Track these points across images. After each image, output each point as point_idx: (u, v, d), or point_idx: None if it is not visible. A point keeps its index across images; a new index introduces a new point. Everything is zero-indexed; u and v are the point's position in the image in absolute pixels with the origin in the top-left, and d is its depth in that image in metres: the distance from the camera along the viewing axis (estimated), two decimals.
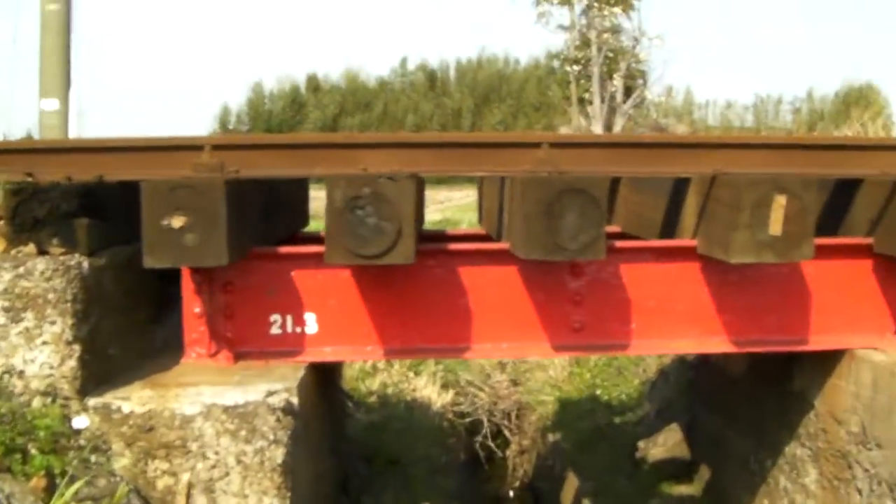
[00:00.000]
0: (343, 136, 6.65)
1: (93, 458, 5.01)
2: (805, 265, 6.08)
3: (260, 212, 6.17)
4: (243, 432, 5.09)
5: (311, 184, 8.55)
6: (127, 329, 5.73)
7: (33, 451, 4.79)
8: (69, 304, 5.05)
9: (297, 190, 7.88)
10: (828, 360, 6.35)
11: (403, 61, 68.37)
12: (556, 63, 51.17)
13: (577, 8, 42.93)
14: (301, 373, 5.61)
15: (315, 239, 5.65)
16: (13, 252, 5.22)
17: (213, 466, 5.09)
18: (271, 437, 5.11)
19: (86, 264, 5.20)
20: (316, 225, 8.07)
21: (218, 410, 5.09)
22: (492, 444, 14.23)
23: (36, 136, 14.23)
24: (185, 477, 5.05)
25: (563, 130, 36.93)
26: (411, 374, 14.13)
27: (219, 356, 5.80)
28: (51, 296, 5.04)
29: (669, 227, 6.81)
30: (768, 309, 6.16)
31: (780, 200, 5.33)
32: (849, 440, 6.11)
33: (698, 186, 6.17)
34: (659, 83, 45.87)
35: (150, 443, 5.08)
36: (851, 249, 6.19)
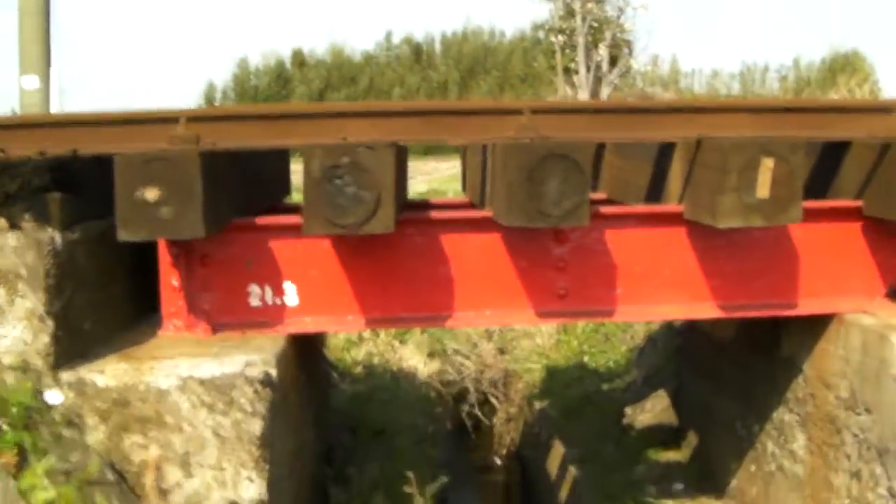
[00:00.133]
0: (322, 105, 6.57)
1: (66, 433, 4.90)
2: (793, 229, 5.98)
3: (238, 183, 6.06)
4: (220, 405, 4.99)
5: (294, 156, 8.46)
6: (102, 303, 5.61)
7: (5, 427, 4.68)
8: (42, 279, 4.93)
9: (277, 161, 7.78)
10: (816, 325, 6.25)
11: (388, 35, 68.14)
12: (541, 34, 50.98)
13: None
14: (280, 344, 5.51)
15: (295, 209, 5.55)
16: None
17: (190, 440, 5.00)
18: (249, 409, 5.01)
19: (59, 239, 5.07)
20: (298, 197, 7.97)
21: (194, 383, 4.99)
22: (478, 413, 14.17)
23: None
24: (153, 451, 4.96)
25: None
26: (397, 344, 14.03)
27: (197, 329, 5.69)
28: (23, 270, 4.92)
29: (655, 193, 6.72)
30: (756, 273, 6.06)
31: (768, 163, 5.24)
32: (837, 405, 6.03)
33: (684, 151, 6.07)
34: (644, 52, 45.75)
35: (124, 417, 4.98)
36: (840, 212, 6.09)
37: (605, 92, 40.51)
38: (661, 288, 6.05)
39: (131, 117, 5.69)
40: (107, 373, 5.04)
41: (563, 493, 9.82)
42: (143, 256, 5.80)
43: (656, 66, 52.05)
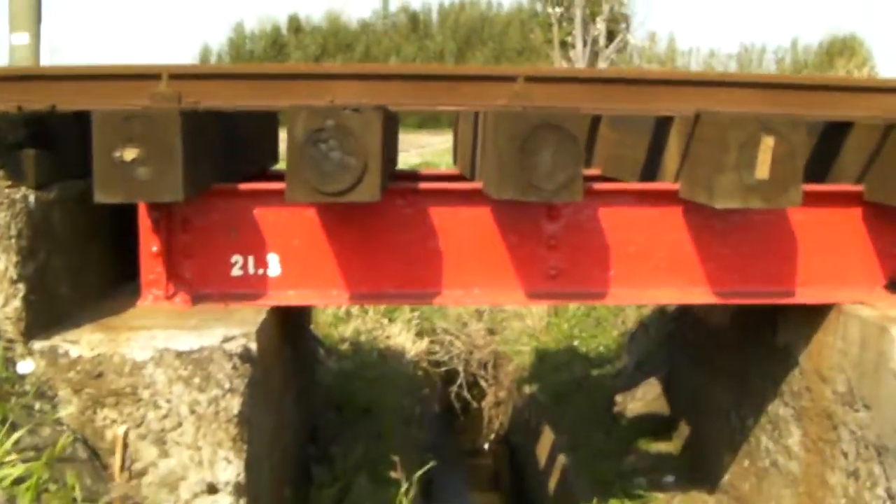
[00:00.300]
0: (309, 66, 6.38)
1: (37, 406, 4.71)
2: (792, 213, 5.81)
3: (222, 146, 5.88)
4: (197, 380, 4.82)
5: (283, 122, 8.29)
6: (79, 268, 5.43)
7: None
8: (13, 240, 4.72)
9: (264, 124, 7.57)
10: (814, 315, 6.08)
11: (386, 3, 68.37)
12: (538, 5, 50.82)
13: None
14: (262, 317, 5.33)
15: (281, 177, 5.38)
16: None
17: (165, 416, 4.82)
18: (227, 385, 4.83)
19: (32, 198, 4.88)
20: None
21: (170, 356, 4.81)
22: (467, 395, 14.05)
23: None
24: (120, 429, 4.78)
25: None
26: (385, 321, 13.89)
27: (176, 298, 5.51)
28: None
29: (651, 170, 6.56)
30: (753, 259, 5.89)
31: (768, 142, 5.05)
32: (834, 399, 5.86)
33: (681, 126, 5.92)
34: (642, 28, 45.66)
35: (98, 390, 4.80)
36: (841, 197, 5.92)
37: (601, 67, 40.32)
38: (656, 270, 5.88)
39: (112, 72, 5.50)
40: (81, 343, 4.86)
41: (552, 482, 9.70)
42: (126, 219, 5.62)
43: (654, 42, 51.99)
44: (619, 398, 9.87)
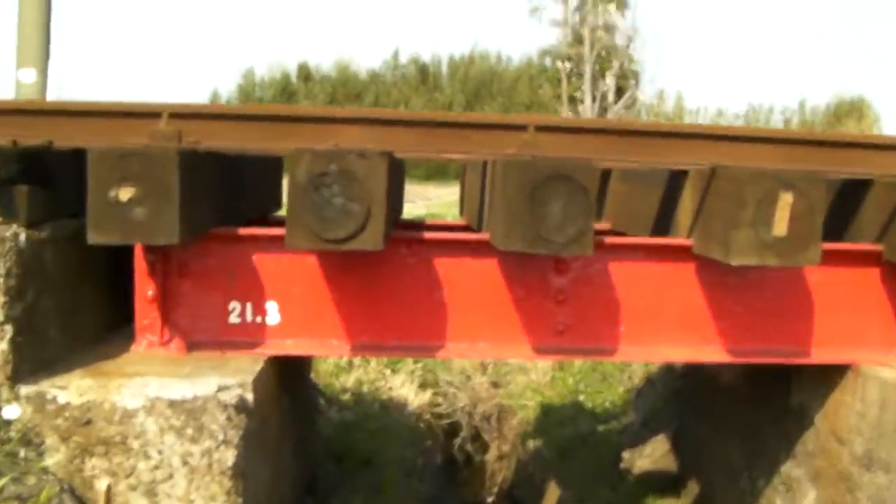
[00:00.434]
0: (314, 109, 6.22)
1: (22, 453, 4.52)
2: (809, 271, 5.66)
3: (223, 189, 5.71)
4: (190, 430, 4.63)
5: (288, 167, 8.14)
6: (71, 310, 5.25)
7: None
8: (1, 280, 4.55)
9: (268, 168, 7.40)
10: (831, 375, 5.91)
11: (395, 53, 68.22)
12: (548, 60, 50.91)
13: (571, 3, 42.78)
14: (259, 366, 5.14)
15: (282, 222, 5.22)
16: None
17: (157, 467, 4.63)
18: (221, 436, 4.65)
19: (23, 236, 4.70)
20: None
21: (162, 405, 4.63)
22: (470, 448, 13.85)
23: None
24: (103, 484, 4.59)
25: None
26: (388, 372, 13.69)
27: (171, 345, 5.33)
28: None
29: (663, 225, 6.36)
30: (768, 317, 5.72)
31: (787, 198, 4.89)
32: (852, 462, 5.67)
33: (696, 180, 5.73)
34: (652, 84, 45.73)
35: (87, 438, 4.61)
36: (859, 256, 5.76)
37: None
38: (667, 327, 5.71)
39: (112, 109, 5.37)
40: (70, 388, 4.67)
41: None
42: (122, 260, 5.45)
43: (662, 100, 52.05)
44: (626, 454, 9.67)
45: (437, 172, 42.65)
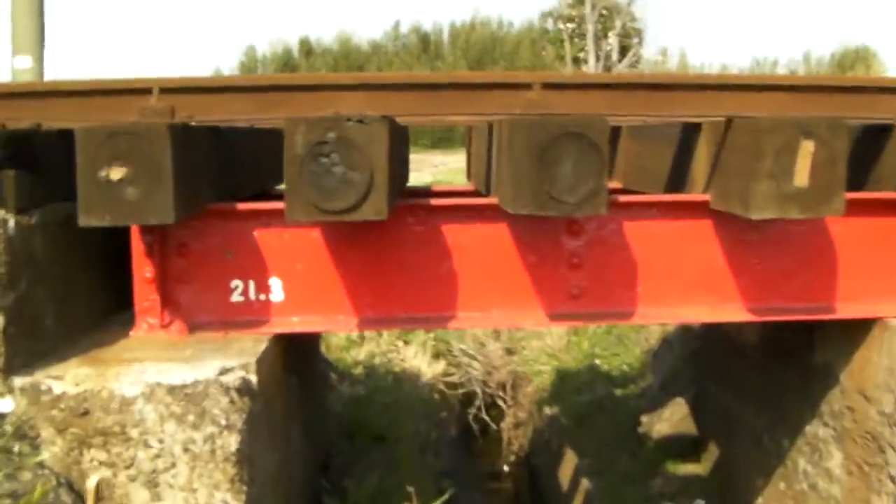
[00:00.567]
0: (311, 76, 6.05)
1: (17, 448, 4.32)
2: (832, 223, 5.42)
3: (221, 165, 5.51)
4: (191, 417, 4.42)
5: None
6: (66, 297, 5.04)
7: None
8: None
9: (268, 140, 7.14)
10: (856, 330, 5.68)
11: (396, 24, 68.19)
12: (549, 22, 50.73)
13: None
14: (263, 346, 4.93)
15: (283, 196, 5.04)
16: None
17: (157, 456, 4.41)
18: (223, 421, 4.44)
19: (12, 222, 4.49)
20: None
21: (162, 391, 4.41)
22: (486, 417, 13.73)
23: None
24: (91, 480, 4.38)
25: None
26: (401, 344, 13.61)
27: (172, 327, 5.14)
28: None
29: (677, 181, 6.16)
30: (790, 273, 5.49)
31: (808, 147, 4.65)
32: (881, 421, 5.45)
33: (710, 133, 5.52)
34: (654, 43, 45.66)
35: (84, 429, 4.39)
36: (884, 205, 5.51)
37: None
38: (685, 287, 5.49)
39: (100, 87, 5.17)
40: (66, 378, 4.45)
41: None
42: (119, 243, 5.26)
43: (665, 58, 51.89)
44: (644, 419, 9.52)
45: (442, 140, 42.53)
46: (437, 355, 14.12)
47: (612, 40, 41.53)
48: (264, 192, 6.86)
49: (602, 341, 13.30)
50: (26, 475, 4.25)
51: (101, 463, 4.41)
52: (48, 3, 13.51)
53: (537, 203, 4.61)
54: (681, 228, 5.44)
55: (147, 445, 4.41)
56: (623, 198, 5.47)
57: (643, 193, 6.54)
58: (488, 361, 14.36)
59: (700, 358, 9.27)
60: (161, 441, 4.41)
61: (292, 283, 5.27)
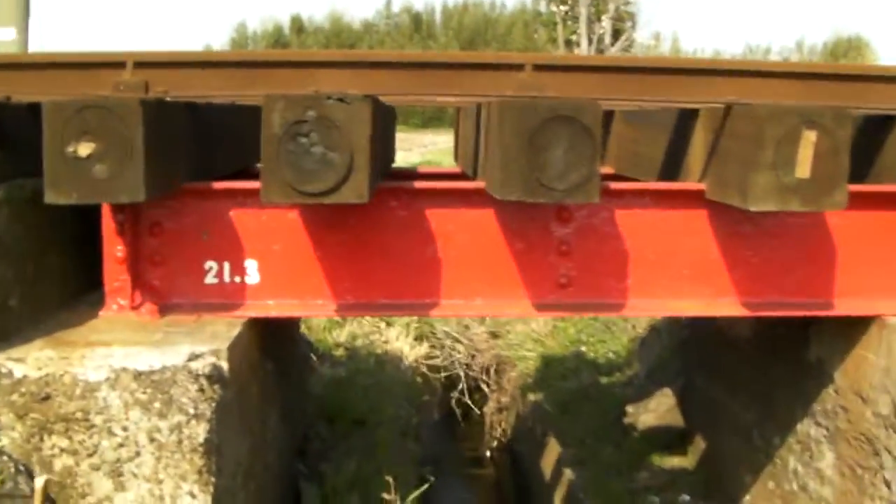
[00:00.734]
0: (292, 52, 5.89)
1: None
2: (830, 216, 5.23)
3: (196, 141, 5.31)
4: (157, 404, 4.22)
5: None
6: (34, 278, 4.82)
7: None
8: None
9: (248, 117, 6.94)
10: (853, 328, 5.50)
11: (388, 3, 68.46)
12: (542, 5, 50.65)
13: None
14: (237, 331, 4.75)
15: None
16: None
17: (121, 445, 4.21)
18: (191, 410, 4.24)
19: None
20: None
21: (127, 377, 4.21)
22: (468, 401, 13.60)
23: None
24: (39, 480, 4.18)
25: None
26: (383, 325, 13.45)
27: (142, 309, 4.94)
28: None
29: (671, 169, 5.95)
30: (786, 267, 5.30)
31: (810, 136, 4.46)
32: (876, 423, 5.28)
33: (708, 120, 5.32)
34: (648, 26, 45.70)
35: (45, 415, 4.18)
36: (885, 198, 5.32)
37: None
38: (677, 279, 5.30)
39: (72, 60, 5.01)
40: (28, 360, 4.25)
41: (559, 498, 9.15)
42: (93, 222, 5.01)
43: (658, 42, 51.85)
44: (630, 409, 9.36)
45: (433, 119, 42.48)
46: (419, 338, 13.99)
47: (606, 23, 41.44)
48: (246, 170, 6.66)
49: (588, 328, 13.14)
50: None
51: (62, 450, 4.22)
52: None
53: (526, 189, 4.41)
54: (674, 218, 5.25)
55: (111, 433, 4.21)
56: (615, 185, 5.28)
57: (636, 180, 6.37)
58: (472, 345, 14.25)
59: (688, 348, 9.10)
60: (125, 429, 4.22)
61: (269, 265, 5.09)
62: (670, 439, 8.74)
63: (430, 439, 11.55)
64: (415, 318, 13.94)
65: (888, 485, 5.18)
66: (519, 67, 5.00)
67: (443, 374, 13.77)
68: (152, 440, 4.22)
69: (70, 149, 4.22)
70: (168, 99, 4.80)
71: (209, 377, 4.29)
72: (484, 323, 14.68)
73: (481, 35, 64.08)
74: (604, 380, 11.25)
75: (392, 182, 5.30)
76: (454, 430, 13.60)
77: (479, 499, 12.27)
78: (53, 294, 5.08)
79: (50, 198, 4.28)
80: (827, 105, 4.79)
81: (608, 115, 7.39)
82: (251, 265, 5.07)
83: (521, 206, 4.84)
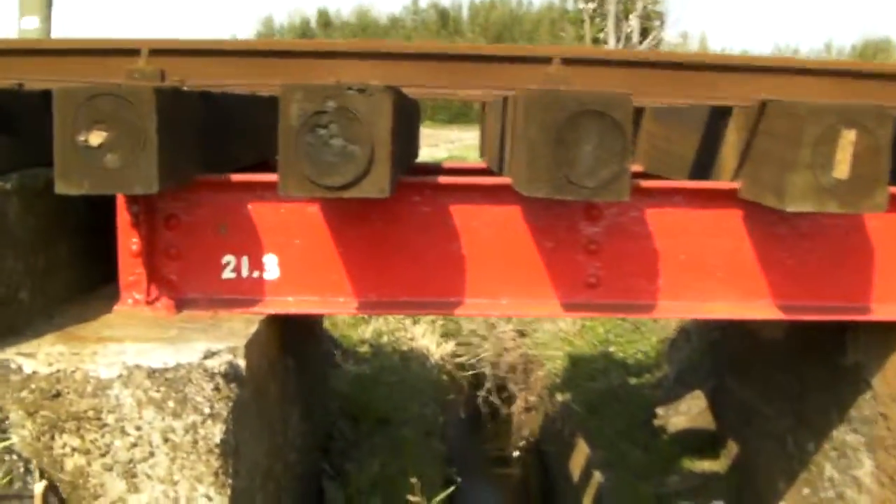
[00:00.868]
0: (311, 42, 5.78)
1: None
2: (869, 218, 5.06)
3: (212, 132, 5.18)
4: (171, 403, 4.08)
5: None
6: (46, 270, 4.70)
7: None
8: None
9: (265, 108, 6.80)
10: (892, 333, 5.35)
11: None
12: (569, 2, 50.61)
13: None
14: (254, 328, 4.62)
15: None
16: None
17: (135, 445, 4.08)
18: (207, 409, 4.10)
19: None
20: None
21: (140, 374, 4.07)
22: (495, 400, 13.46)
23: None
24: (38, 486, 4.05)
25: None
26: (408, 322, 13.34)
27: (158, 304, 4.81)
28: None
29: (703, 168, 5.81)
30: (823, 269, 5.13)
31: (849, 136, 4.29)
32: None
33: (741, 118, 5.16)
34: (675, 26, 45.56)
35: (56, 413, 4.05)
36: None
37: None
38: (710, 281, 5.15)
39: (87, 46, 4.92)
40: (38, 356, 4.12)
41: (586, 501, 9.00)
42: (108, 213, 4.89)
43: (686, 41, 51.69)
44: (660, 411, 9.20)
45: (459, 115, 42.43)
46: (445, 335, 13.90)
47: (633, 22, 41.31)
48: (265, 163, 6.53)
49: (617, 327, 13.01)
50: None
51: (74, 449, 4.09)
52: None
53: (554, 186, 4.25)
54: (707, 218, 5.09)
55: (124, 433, 4.08)
56: (646, 183, 5.12)
57: (666, 179, 6.22)
58: (499, 343, 14.13)
59: (719, 350, 8.94)
60: (139, 429, 4.09)
61: (288, 260, 4.96)
62: (701, 443, 8.57)
63: (455, 439, 11.43)
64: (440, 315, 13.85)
65: None
66: (546, 61, 4.87)
67: (469, 373, 13.67)
68: (166, 440, 4.09)
69: (81, 137, 4.09)
70: (185, 88, 4.67)
71: (225, 375, 4.16)
72: (511, 321, 14.56)
73: (508, 32, 64.02)
74: (633, 380, 11.10)
75: (415, 177, 5.16)
76: (480, 430, 13.46)
77: (506, 500, 12.14)
78: (65, 287, 4.96)
79: (60, 188, 4.16)
80: (868, 104, 4.62)
81: (638, 113, 7.25)
82: (270, 260, 4.94)
83: (549, 203, 4.70)
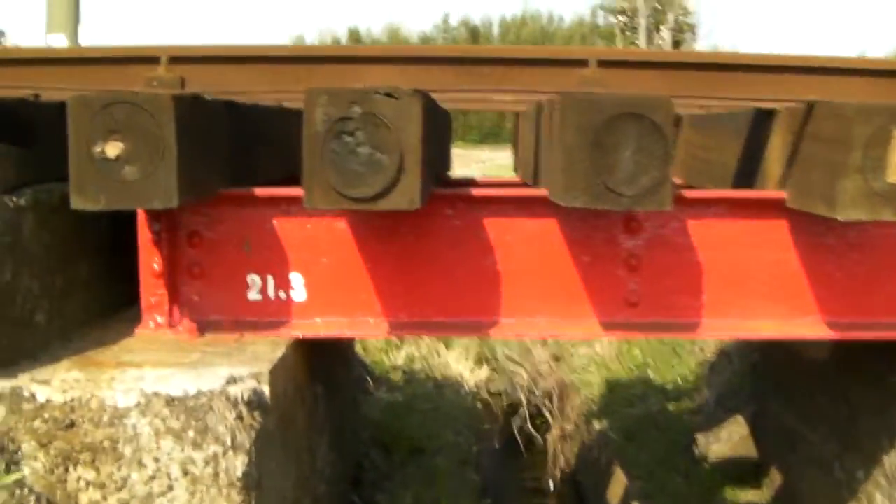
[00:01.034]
0: (336, 47, 5.63)
1: None
2: None
3: (236, 143, 4.99)
4: (191, 433, 3.85)
5: None
6: (63, 290, 4.51)
7: None
8: None
9: (292, 119, 6.63)
10: None
11: (446, 16, 69.11)
12: (600, 17, 50.82)
13: None
14: (280, 352, 4.41)
15: None
16: None
17: (152, 478, 3.85)
18: (228, 440, 3.87)
19: None
20: None
21: (159, 403, 3.85)
22: (531, 429, 13.26)
23: None
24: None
25: None
26: (442, 348, 13.17)
27: (180, 326, 4.63)
28: None
29: (746, 176, 5.57)
30: (875, 284, 4.89)
31: None
32: None
33: (787, 121, 4.92)
34: (707, 39, 45.63)
35: (70, 443, 3.84)
36: None
37: None
38: (755, 297, 4.91)
39: (104, 55, 4.84)
40: (53, 383, 3.90)
41: None
42: (127, 230, 4.70)
43: None
44: (700, 438, 8.96)
45: (490, 135, 42.42)
46: (480, 361, 13.74)
47: (665, 34, 41.33)
48: (294, 176, 6.36)
49: (654, 351, 12.80)
50: (2, 495, 3.74)
51: (88, 483, 3.87)
52: None
53: (592, 195, 4.03)
54: (752, 229, 4.86)
55: (141, 465, 3.87)
56: (688, 192, 4.91)
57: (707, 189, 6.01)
58: (534, 369, 13.95)
59: (760, 373, 8.73)
60: (157, 460, 3.87)
61: (316, 279, 4.76)
62: (743, 471, 8.34)
63: (490, 469, 11.22)
64: (475, 339, 13.68)
65: None
66: (582, 63, 4.72)
67: (504, 401, 13.50)
68: (186, 473, 3.87)
69: (97, 149, 3.91)
70: (208, 97, 4.50)
71: (249, 403, 3.95)
72: (546, 345, 14.40)
73: None
74: (671, 406, 10.89)
75: (446, 189, 4.96)
76: (516, 459, 13.26)
77: None
78: (85, 309, 4.76)
79: (76, 203, 3.97)
80: None
81: (676, 122, 7.06)
82: (297, 279, 4.74)
83: (586, 215, 4.53)
